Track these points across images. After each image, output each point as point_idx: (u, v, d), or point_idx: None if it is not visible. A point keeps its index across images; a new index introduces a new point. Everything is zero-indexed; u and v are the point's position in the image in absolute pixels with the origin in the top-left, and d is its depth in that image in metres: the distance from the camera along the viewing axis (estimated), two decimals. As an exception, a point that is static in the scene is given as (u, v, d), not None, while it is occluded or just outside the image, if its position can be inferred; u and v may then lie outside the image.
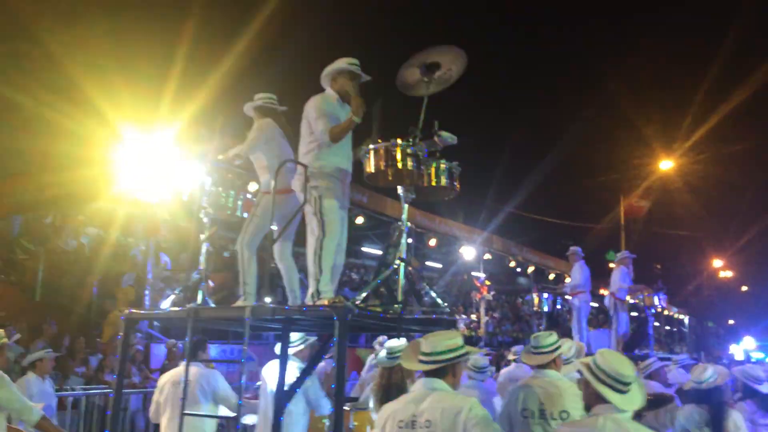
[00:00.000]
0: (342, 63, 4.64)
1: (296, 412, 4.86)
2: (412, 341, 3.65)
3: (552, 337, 4.35)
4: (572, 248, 11.21)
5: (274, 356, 4.87)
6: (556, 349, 4.25)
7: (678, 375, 6.88)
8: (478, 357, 6.04)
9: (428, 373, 3.25)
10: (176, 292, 5.38)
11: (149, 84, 10.41)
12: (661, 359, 10.17)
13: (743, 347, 40.47)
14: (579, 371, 3.25)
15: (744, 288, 47.84)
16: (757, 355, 38.55)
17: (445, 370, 3.26)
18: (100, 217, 12.00)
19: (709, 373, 4.62)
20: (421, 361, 3.28)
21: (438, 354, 3.24)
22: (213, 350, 9.57)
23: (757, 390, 5.13)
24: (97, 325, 10.88)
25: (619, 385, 3.05)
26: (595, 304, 20.65)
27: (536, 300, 11.54)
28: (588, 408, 3.17)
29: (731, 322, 47.31)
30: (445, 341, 3.28)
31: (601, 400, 3.05)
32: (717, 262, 40.58)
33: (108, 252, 11.58)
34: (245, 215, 5.07)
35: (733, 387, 6.67)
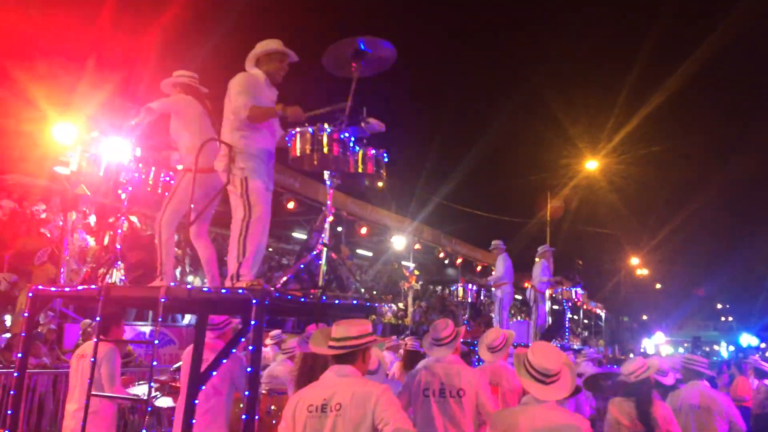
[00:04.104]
0: (270, 45, 4.56)
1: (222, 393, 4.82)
2: (321, 328, 3.70)
3: (448, 329, 4.63)
4: (495, 242, 11.53)
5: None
6: (454, 338, 4.60)
7: (585, 367, 7.28)
8: None
9: (339, 360, 3.29)
10: (87, 269, 5.21)
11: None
12: (575, 351, 10.65)
13: (654, 341, 42.73)
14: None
15: (658, 285, 50.44)
16: (666, 350, 40.79)
17: (355, 355, 3.30)
18: (15, 190, 11.42)
19: (638, 365, 4.76)
20: (331, 347, 3.31)
21: (347, 339, 3.28)
22: (129, 332, 9.31)
23: (660, 381, 5.46)
24: (7, 303, 10.35)
25: (544, 378, 3.27)
26: (519, 297, 21.30)
27: (461, 291, 11.78)
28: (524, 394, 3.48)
29: (644, 317, 49.81)
30: (354, 327, 3.32)
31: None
32: (634, 260, 42.55)
33: (22, 226, 11.04)
34: (166, 193, 4.91)
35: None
